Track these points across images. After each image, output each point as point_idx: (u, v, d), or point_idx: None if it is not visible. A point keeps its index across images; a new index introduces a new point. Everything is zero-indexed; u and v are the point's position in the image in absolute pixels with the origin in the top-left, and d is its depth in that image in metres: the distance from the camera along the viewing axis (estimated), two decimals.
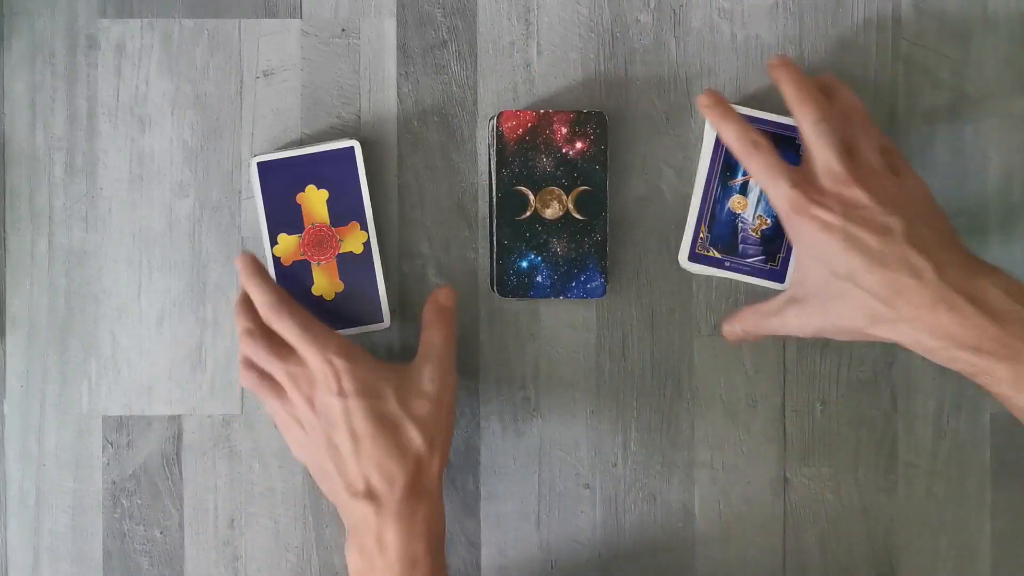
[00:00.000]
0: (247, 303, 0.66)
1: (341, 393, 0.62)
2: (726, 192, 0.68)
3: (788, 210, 0.62)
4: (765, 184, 0.63)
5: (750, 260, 0.68)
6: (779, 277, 0.69)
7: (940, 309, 0.58)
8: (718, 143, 0.68)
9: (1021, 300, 0.58)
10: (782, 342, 0.71)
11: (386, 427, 0.63)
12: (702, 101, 0.65)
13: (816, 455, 0.71)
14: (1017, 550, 0.71)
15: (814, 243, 0.61)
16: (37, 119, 0.71)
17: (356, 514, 0.63)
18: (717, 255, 0.68)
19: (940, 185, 0.71)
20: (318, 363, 0.63)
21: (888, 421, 0.71)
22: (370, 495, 0.62)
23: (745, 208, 0.68)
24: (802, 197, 0.61)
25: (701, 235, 0.68)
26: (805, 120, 0.62)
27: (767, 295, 0.68)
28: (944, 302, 0.58)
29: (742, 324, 0.66)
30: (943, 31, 0.71)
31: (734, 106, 0.66)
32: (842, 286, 0.60)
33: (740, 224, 0.68)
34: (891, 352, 0.71)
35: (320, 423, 0.63)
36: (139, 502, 0.71)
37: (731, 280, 0.70)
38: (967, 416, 0.71)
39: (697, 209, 0.68)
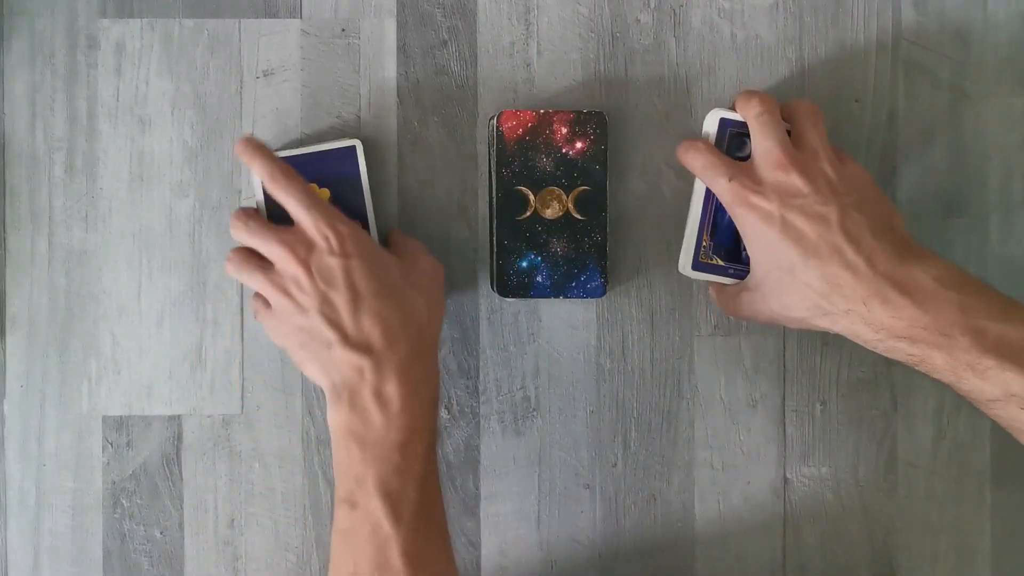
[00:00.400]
0: (246, 212, 0.65)
1: (344, 254, 0.61)
2: None
3: (729, 202, 0.63)
4: (708, 181, 0.65)
5: None
6: None
7: (874, 302, 0.59)
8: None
9: (953, 286, 0.58)
10: (782, 342, 0.71)
11: (389, 289, 0.62)
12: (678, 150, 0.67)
13: (816, 455, 0.71)
14: (1017, 550, 0.71)
15: (756, 233, 0.62)
16: (37, 119, 0.71)
17: (350, 367, 0.60)
18: (720, 263, 0.68)
19: (940, 185, 0.71)
20: (321, 226, 0.62)
21: (888, 421, 0.71)
22: (369, 349, 0.60)
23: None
24: (741, 188, 0.62)
25: (704, 243, 0.68)
26: (750, 113, 0.64)
27: None
28: (877, 295, 0.59)
29: (715, 293, 0.69)
30: (943, 31, 0.71)
31: (715, 109, 0.67)
32: (784, 278, 0.61)
33: None
34: None
35: (316, 283, 0.61)
36: (139, 502, 0.71)
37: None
38: (967, 416, 0.71)
39: (699, 218, 0.68)
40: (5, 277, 0.71)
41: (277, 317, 0.63)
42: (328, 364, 0.61)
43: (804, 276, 0.60)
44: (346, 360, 0.60)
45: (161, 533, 0.71)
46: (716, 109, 0.67)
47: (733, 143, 0.67)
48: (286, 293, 0.62)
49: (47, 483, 0.71)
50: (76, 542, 0.71)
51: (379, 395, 0.60)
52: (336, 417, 0.61)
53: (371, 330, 0.61)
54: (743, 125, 0.66)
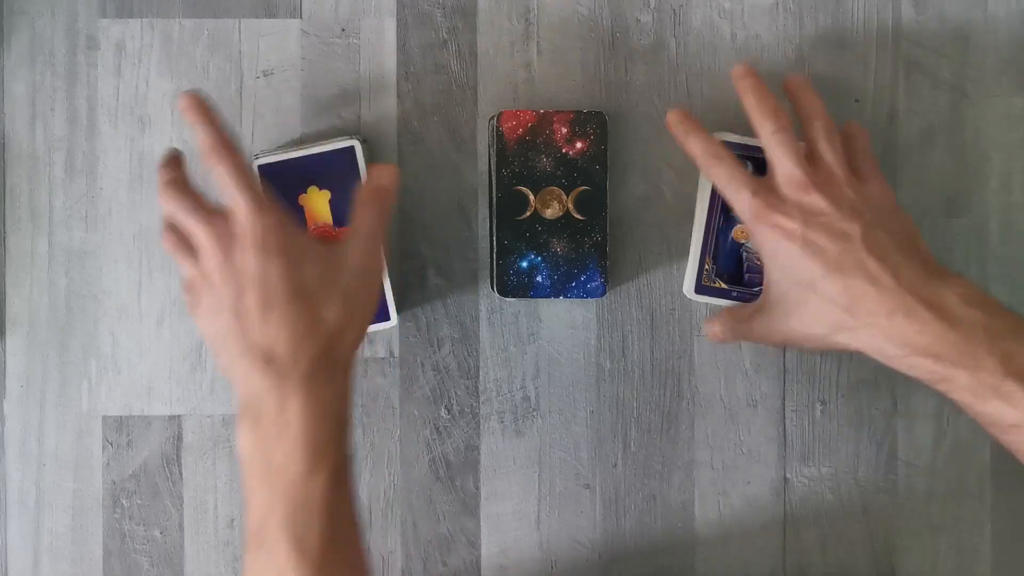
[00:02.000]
0: (174, 158, 0.61)
1: (263, 249, 0.56)
2: (729, 222, 0.68)
3: (750, 219, 0.62)
4: (728, 194, 0.63)
5: (756, 289, 0.68)
6: None
7: (898, 316, 0.58)
8: None
9: (979, 306, 0.58)
10: None
11: (301, 294, 0.57)
12: (670, 119, 0.65)
13: (816, 455, 0.71)
14: (1017, 550, 0.71)
15: (776, 251, 0.61)
16: (37, 119, 0.71)
17: (253, 385, 0.56)
18: (724, 286, 0.68)
19: (940, 185, 0.71)
20: (245, 212, 0.57)
21: (888, 421, 0.71)
22: (272, 361, 0.56)
23: (749, 237, 0.68)
24: (763, 206, 0.61)
25: (707, 267, 0.68)
26: (764, 131, 0.63)
27: None
28: (902, 309, 0.58)
29: (720, 325, 0.67)
30: (943, 31, 0.71)
31: (719, 133, 0.67)
32: (803, 294, 0.60)
33: (745, 253, 0.68)
34: None
35: (232, 280, 0.57)
36: (139, 502, 0.71)
37: None
38: (967, 416, 0.71)
39: (701, 241, 0.68)
40: (5, 277, 0.71)
41: (201, 316, 0.59)
42: (237, 375, 0.57)
43: (826, 290, 0.60)
44: (249, 371, 0.56)
45: (161, 533, 0.71)
46: (718, 133, 0.68)
47: None
48: (208, 284, 0.58)
49: (47, 483, 0.71)
50: (76, 542, 0.71)
51: (281, 415, 0.55)
52: (241, 441, 0.56)
53: (276, 341, 0.56)
54: (746, 148, 0.67)
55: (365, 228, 0.61)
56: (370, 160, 0.70)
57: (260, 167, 0.68)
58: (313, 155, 0.68)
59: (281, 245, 0.57)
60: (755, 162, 0.67)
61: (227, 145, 0.59)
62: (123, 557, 0.71)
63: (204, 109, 0.59)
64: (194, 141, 0.60)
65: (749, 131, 0.64)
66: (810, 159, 0.62)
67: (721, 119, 0.71)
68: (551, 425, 0.71)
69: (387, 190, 0.62)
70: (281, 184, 0.68)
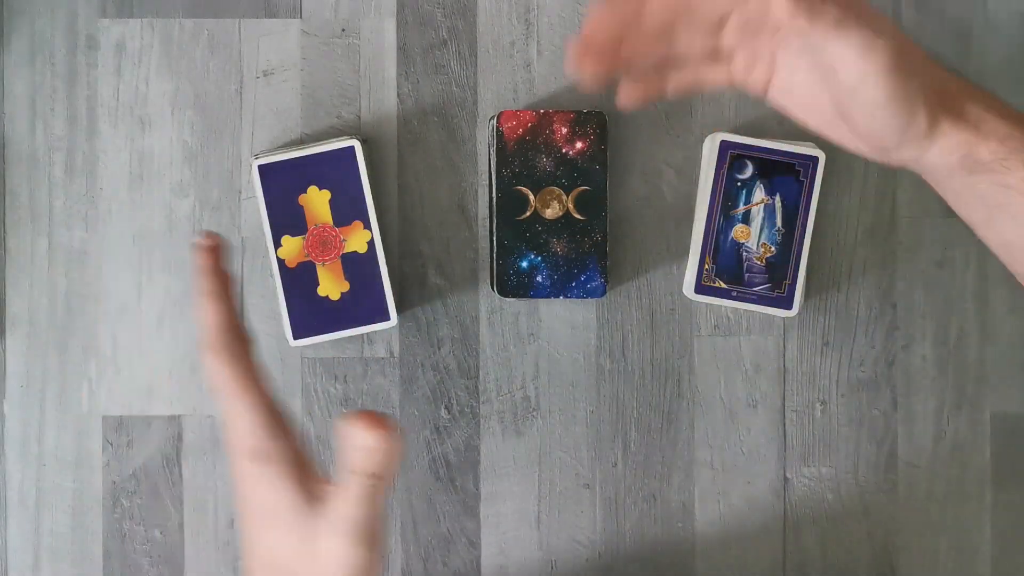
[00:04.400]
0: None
1: (244, 511, 0.52)
2: (729, 222, 0.68)
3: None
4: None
5: (756, 289, 0.68)
6: (786, 304, 0.69)
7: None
8: (718, 172, 0.68)
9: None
10: (782, 342, 0.71)
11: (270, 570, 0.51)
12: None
13: (816, 455, 0.71)
14: (1017, 550, 0.71)
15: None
16: (37, 119, 0.71)
17: None
18: (724, 286, 0.68)
19: None
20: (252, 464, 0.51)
21: (888, 421, 0.71)
22: None
23: (748, 237, 0.68)
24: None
25: (706, 266, 0.68)
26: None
27: (773, 323, 0.68)
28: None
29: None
30: (943, 31, 0.71)
31: (719, 133, 0.67)
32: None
33: (744, 253, 0.68)
34: (891, 352, 0.71)
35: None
36: (139, 502, 0.71)
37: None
38: (967, 416, 0.71)
39: (701, 240, 0.68)
40: (5, 277, 0.71)
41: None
42: None
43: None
44: None
45: (161, 533, 0.71)
46: (716, 132, 0.68)
47: (734, 165, 0.67)
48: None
49: (47, 483, 0.71)
50: (76, 542, 0.71)
51: None
52: None
53: None
54: (743, 147, 0.67)
55: (353, 524, 0.50)
56: (370, 160, 0.70)
57: (260, 167, 0.68)
58: (313, 155, 0.68)
59: (257, 518, 0.51)
60: (755, 162, 0.67)
61: (250, 382, 0.51)
62: (123, 557, 0.71)
63: (222, 280, 0.52)
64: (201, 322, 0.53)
65: (749, 131, 0.65)
66: None
67: (721, 119, 0.71)
68: (551, 425, 0.71)
69: (379, 479, 0.50)
70: (281, 184, 0.68)
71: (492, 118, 0.69)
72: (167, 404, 0.71)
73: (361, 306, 0.69)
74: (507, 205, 0.68)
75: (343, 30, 0.71)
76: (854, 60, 0.48)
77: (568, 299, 0.70)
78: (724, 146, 0.68)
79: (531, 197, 0.68)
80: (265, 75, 0.71)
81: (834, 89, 0.51)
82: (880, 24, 0.49)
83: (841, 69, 0.49)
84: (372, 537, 0.50)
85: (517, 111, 0.68)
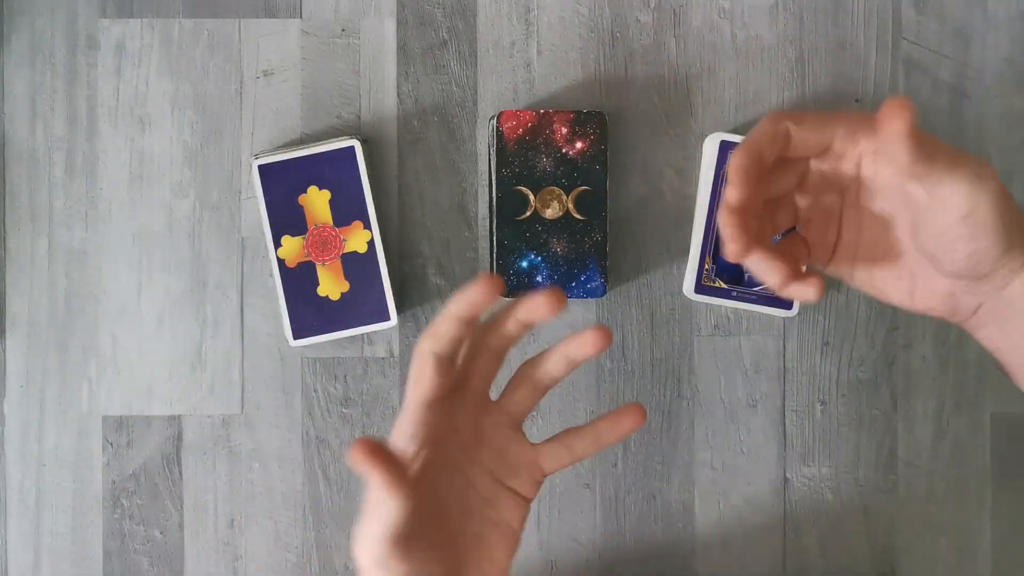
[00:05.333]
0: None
1: None
2: None
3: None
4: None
5: (756, 289, 0.68)
6: (786, 305, 0.69)
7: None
8: (718, 172, 0.68)
9: None
10: (782, 342, 0.71)
11: None
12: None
13: (816, 455, 0.71)
14: (1017, 550, 0.71)
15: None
16: (37, 119, 0.71)
17: None
18: (724, 286, 0.68)
19: None
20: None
21: (888, 421, 0.71)
22: None
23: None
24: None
25: (706, 266, 0.68)
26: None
27: (773, 323, 0.68)
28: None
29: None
30: (943, 31, 0.71)
31: (718, 133, 0.68)
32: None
33: None
34: (891, 352, 0.71)
35: None
36: (139, 502, 0.71)
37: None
38: (967, 416, 0.71)
39: (700, 240, 0.68)
40: (5, 277, 0.71)
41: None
42: None
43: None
44: None
45: (161, 533, 0.71)
46: (716, 132, 0.68)
47: None
48: None
49: (47, 483, 0.71)
50: (76, 542, 0.71)
51: None
52: None
53: None
54: None
55: None
56: (370, 160, 0.70)
57: (260, 167, 0.68)
58: (313, 155, 0.68)
59: None
60: None
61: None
62: (123, 557, 0.71)
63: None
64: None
65: (749, 132, 0.64)
66: None
67: (721, 119, 0.71)
68: (551, 425, 0.71)
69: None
70: (281, 184, 0.69)
71: (492, 118, 0.69)
72: (167, 404, 0.71)
73: (361, 306, 0.69)
74: (507, 205, 0.68)
75: (343, 30, 0.71)
76: (967, 190, 0.51)
77: (568, 299, 0.70)
78: (724, 146, 0.68)
79: (531, 197, 0.68)
80: (265, 75, 0.71)
81: (936, 226, 0.53)
82: (982, 162, 0.53)
83: (952, 198, 0.52)
84: None
85: (517, 111, 0.68)
